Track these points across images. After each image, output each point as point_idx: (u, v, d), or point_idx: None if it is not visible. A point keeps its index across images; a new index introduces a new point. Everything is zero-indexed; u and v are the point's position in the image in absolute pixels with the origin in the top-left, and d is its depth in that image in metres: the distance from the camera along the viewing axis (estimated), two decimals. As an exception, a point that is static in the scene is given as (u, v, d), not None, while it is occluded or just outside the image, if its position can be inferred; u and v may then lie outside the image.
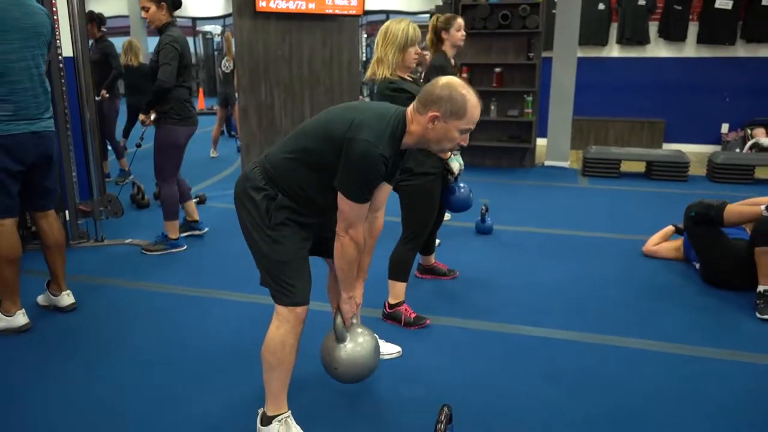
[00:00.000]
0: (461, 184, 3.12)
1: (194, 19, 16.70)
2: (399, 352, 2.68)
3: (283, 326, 2.01)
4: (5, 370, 2.59)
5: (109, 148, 6.34)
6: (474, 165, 7.05)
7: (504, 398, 2.37)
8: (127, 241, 4.28)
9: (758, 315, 3.04)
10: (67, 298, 3.16)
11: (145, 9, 3.76)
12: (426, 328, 2.94)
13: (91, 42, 5.38)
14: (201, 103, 12.75)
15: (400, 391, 2.43)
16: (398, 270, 2.96)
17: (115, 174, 6.46)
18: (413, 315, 2.97)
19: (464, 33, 3.93)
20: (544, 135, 7.14)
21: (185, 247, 4.16)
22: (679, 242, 3.89)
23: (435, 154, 2.87)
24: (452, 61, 4.03)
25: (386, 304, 3.01)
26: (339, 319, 2.10)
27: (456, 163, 2.99)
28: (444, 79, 1.88)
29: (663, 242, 4.01)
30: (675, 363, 2.64)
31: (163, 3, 3.75)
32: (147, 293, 3.41)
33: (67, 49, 4.04)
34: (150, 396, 2.39)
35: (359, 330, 2.15)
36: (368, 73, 2.87)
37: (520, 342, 2.83)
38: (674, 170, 6.25)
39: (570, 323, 3.01)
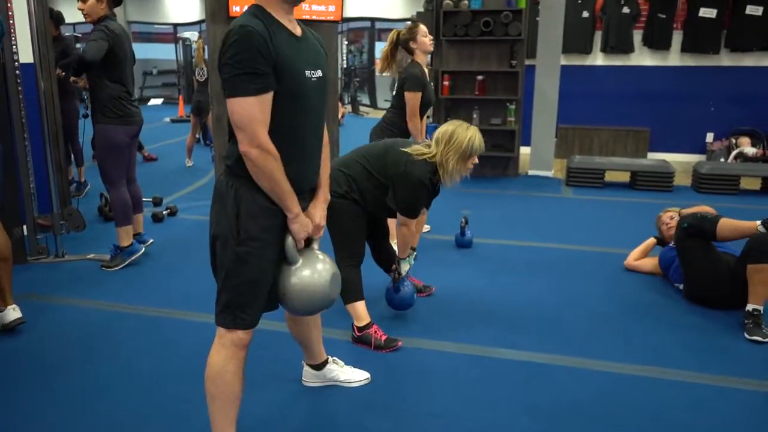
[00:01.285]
0: (406, 282, 3.01)
1: (175, 26, 16.52)
2: (368, 379, 2.50)
3: (223, 351, 1.83)
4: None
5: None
6: (456, 175, 6.90)
7: (478, 430, 2.20)
8: (89, 256, 4.06)
9: (747, 336, 2.89)
10: (12, 313, 2.94)
11: (83, 0, 3.56)
12: (397, 351, 2.77)
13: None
14: (180, 110, 12.53)
15: (366, 422, 2.25)
16: (347, 291, 2.76)
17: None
18: (384, 337, 2.79)
19: (431, 37, 3.85)
20: (528, 144, 7.01)
21: (142, 250, 3.96)
22: (656, 258, 3.76)
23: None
24: (425, 69, 3.92)
25: (354, 328, 2.84)
26: (290, 239, 1.82)
27: (407, 265, 2.93)
28: None
29: (644, 257, 3.87)
30: (662, 389, 2.48)
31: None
32: (104, 313, 3.20)
33: (25, 56, 3.85)
34: (99, 426, 2.19)
35: (318, 255, 1.91)
36: (428, 150, 2.78)
37: (497, 366, 2.66)
38: (659, 180, 6.14)
39: (549, 345, 2.85)
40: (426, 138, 3.81)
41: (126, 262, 3.87)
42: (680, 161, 7.82)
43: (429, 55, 3.76)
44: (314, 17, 5.50)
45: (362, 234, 2.86)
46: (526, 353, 2.77)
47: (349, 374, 2.48)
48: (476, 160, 2.80)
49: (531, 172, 6.92)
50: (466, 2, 6.32)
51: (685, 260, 3.41)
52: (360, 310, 2.82)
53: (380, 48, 14.80)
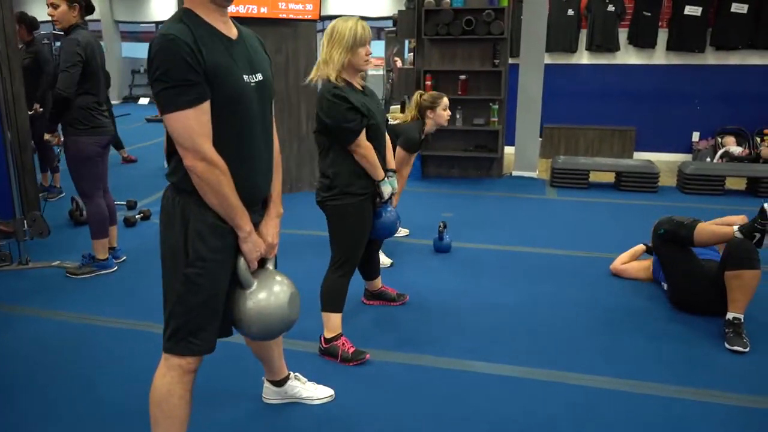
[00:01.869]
0: (389, 208, 2.83)
1: (157, 24, 16.33)
2: (331, 396, 2.39)
3: (170, 374, 1.71)
4: None
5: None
6: (440, 176, 6.80)
7: (443, 452, 2.09)
8: (54, 263, 3.92)
9: (727, 345, 2.80)
10: None
11: (54, 6, 3.44)
12: (365, 365, 2.65)
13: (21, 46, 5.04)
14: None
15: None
16: (330, 300, 2.67)
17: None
18: (351, 349, 2.68)
19: (449, 112, 3.94)
20: (512, 143, 6.91)
21: (116, 267, 3.82)
22: (648, 262, 3.65)
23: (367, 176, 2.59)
24: (423, 136, 3.91)
25: (322, 339, 2.72)
26: (242, 261, 1.71)
27: (388, 187, 2.71)
28: None
29: (632, 261, 3.77)
30: (641, 405, 2.38)
31: (76, 4, 3.44)
32: (67, 325, 3.07)
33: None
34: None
35: (275, 276, 1.79)
36: (312, 73, 2.57)
37: (468, 381, 2.55)
38: (644, 181, 6.05)
39: (524, 357, 2.74)
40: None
41: (94, 273, 3.74)
42: (666, 161, 7.75)
43: (435, 127, 3.99)
44: (291, 16, 5.39)
45: (363, 239, 2.70)
46: (500, 366, 2.66)
47: (311, 391, 2.37)
48: (369, 50, 2.57)
49: (515, 173, 6.82)
50: (448, 1, 6.20)
51: (664, 265, 3.32)
52: (334, 322, 2.71)
53: (375, 46, 14.83)
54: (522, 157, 6.80)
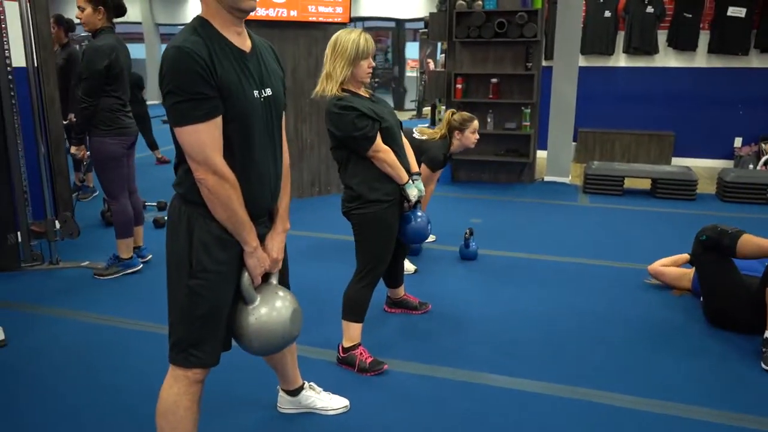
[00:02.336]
0: (419, 213, 2.77)
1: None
2: (346, 406, 2.35)
3: (176, 385, 1.70)
4: None
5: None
6: (470, 180, 6.71)
7: (458, 470, 2.03)
8: (84, 263, 3.99)
9: (763, 365, 2.66)
10: None
11: (81, 9, 3.49)
12: (382, 375, 2.61)
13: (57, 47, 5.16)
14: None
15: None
16: (352, 310, 2.63)
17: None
18: (369, 359, 2.63)
19: (477, 136, 3.89)
20: (545, 148, 6.77)
21: (140, 266, 3.87)
22: (691, 271, 3.50)
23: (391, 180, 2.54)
24: (447, 156, 3.85)
25: (340, 348, 2.68)
26: (246, 277, 1.70)
27: (414, 190, 2.64)
28: None
29: (672, 266, 3.62)
30: (667, 427, 2.27)
31: (101, 7, 3.48)
32: (92, 326, 3.10)
33: (18, 59, 3.78)
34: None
35: (278, 292, 1.77)
36: (316, 89, 2.55)
37: (486, 395, 2.48)
38: (681, 188, 5.85)
39: (546, 372, 2.65)
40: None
41: (120, 273, 3.79)
42: (707, 167, 7.50)
43: (462, 149, 3.96)
44: (321, 19, 5.38)
45: (389, 248, 2.65)
46: (521, 381, 2.58)
47: (326, 401, 2.33)
48: (372, 63, 2.52)
49: (547, 178, 6.68)
50: (480, 3, 6.11)
51: (702, 275, 3.19)
52: (354, 331, 2.66)
53: (410, 48, 14.65)
54: (554, 162, 6.66)
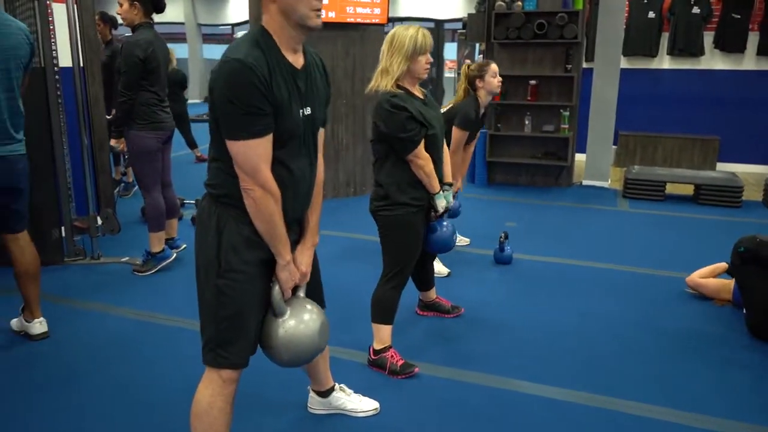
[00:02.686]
0: (445, 223, 2.76)
1: (233, 26, 16.85)
2: (376, 409, 2.35)
3: (210, 386, 1.73)
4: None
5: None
6: (507, 183, 6.64)
7: (487, 477, 2.01)
8: (123, 259, 4.08)
9: (809, 381, 2.56)
10: (38, 327, 2.94)
11: (120, 4, 3.59)
12: (413, 378, 2.60)
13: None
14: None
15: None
16: (380, 312, 2.63)
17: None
18: (400, 362, 2.63)
19: (500, 79, 3.76)
20: (584, 151, 6.66)
21: (174, 256, 3.95)
22: (730, 282, 3.39)
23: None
24: (483, 109, 3.77)
25: (371, 350, 2.69)
26: (277, 290, 1.73)
27: (443, 201, 2.64)
28: None
29: (711, 277, 3.51)
30: (701, 440, 2.21)
31: (136, 2, 3.55)
32: (130, 321, 3.17)
33: (65, 59, 3.90)
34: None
35: (306, 305, 1.80)
36: (372, 82, 2.54)
37: (517, 402, 2.45)
38: (726, 195, 5.68)
39: (577, 380, 2.61)
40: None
41: (157, 268, 3.87)
42: (753, 173, 7.26)
43: (490, 96, 3.80)
44: (359, 20, 5.39)
45: (415, 251, 2.66)
46: (551, 389, 2.54)
47: (356, 403, 2.34)
48: (430, 59, 2.51)
49: (585, 182, 6.57)
50: (520, 3, 6.05)
51: (742, 287, 3.10)
52: (384, 333, 2.67)
53: (448, 48, 14.64)
54: (593, 165, 6.54)
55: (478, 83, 3.72)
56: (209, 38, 17.85)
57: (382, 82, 2.49)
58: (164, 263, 3.90)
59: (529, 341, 2.97)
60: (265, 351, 1.79)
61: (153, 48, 3.58)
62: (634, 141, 7.73)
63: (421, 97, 2.57)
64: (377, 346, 2.66)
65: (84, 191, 4.05)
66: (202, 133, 8.85)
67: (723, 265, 3.54)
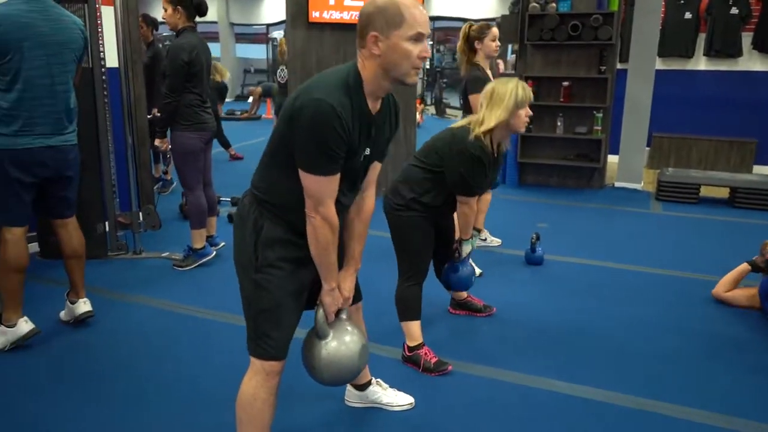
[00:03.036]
0: (466, 264, 2.91)
1: (268, 26, 17.05)
2: (411, 403, 2.41)
3: (255, 378, 1.81)
4: (4, 384, 2.53)
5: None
6: (538, 183, 6.64)
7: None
8: (163, 254, 4.22)
9: None
10: (83, 306, 3.07)
11: (164, 9, 3.72)
12: (446, 376, 2.65)
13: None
14: (268, 111, 12.86)
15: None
16: (406, 310, 2.72)
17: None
18: (434, 360, 2.69)
19: (498, 43, 3.76)
20: (617, 152, 6.62)
21: (213, 254, 4.07)
22: (754, 290, 3.38)
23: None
24: (488, 72, 3.79)
25: (405, 347, 2.75)
26: (321, 313, 1.83)
27: (469, 247, 2.81)
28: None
29: (736, 288, 3.48)
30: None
31: (179, 7, 3.68)
32: (169, 314, 3.30)
33: (111, 60, 4.04)
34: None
35: (347, 327, 1.89)
36: (460, 122, 2.67)
37: (550, 401, 2.49)
38: (762, 198, 5.60)
39: (609, 381, 2.64)
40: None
41: (197, 263, 3.99)
42: (791, 176, 7.12)
43: (489, 60, 3.78)
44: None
45: (429, 251, 2.77)
46: (584, 388, 2.57)
47: (392, 397, 2.41)
48: (529, 111, 2.61)
49: (618, 184, 6.53)
50: (554, 5, 6.04)
51: None
52: (414, 330, 2.73)
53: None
54: (626, 167, 6.50)
55: (477, 45, 3.73)
56: (242, 38, 18.13)
57: (476, 127, 2.58)
58: (204, 259, 4.02)
59: (561, 342, 3.00)
60: (308, 370, 1.90)
61: (197, 51, 3.70)
62: (669, 143, 7.65)
63: (496, 153, 2.68)
64: (411, 343, 2.73)
65: (127, 188, 4.19)
66: (233, 131, 9.07)
67: (746, 267, 3.48)
